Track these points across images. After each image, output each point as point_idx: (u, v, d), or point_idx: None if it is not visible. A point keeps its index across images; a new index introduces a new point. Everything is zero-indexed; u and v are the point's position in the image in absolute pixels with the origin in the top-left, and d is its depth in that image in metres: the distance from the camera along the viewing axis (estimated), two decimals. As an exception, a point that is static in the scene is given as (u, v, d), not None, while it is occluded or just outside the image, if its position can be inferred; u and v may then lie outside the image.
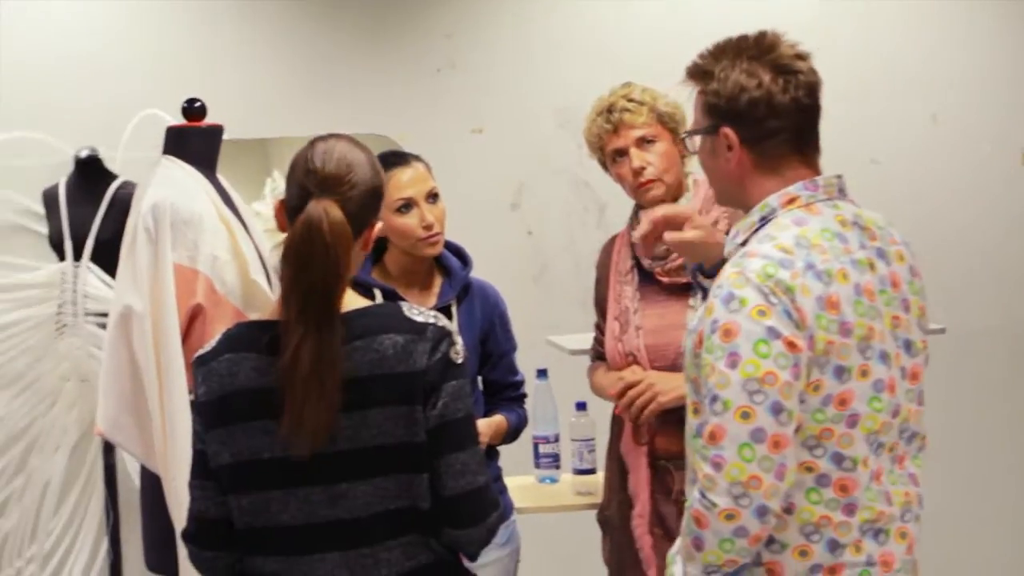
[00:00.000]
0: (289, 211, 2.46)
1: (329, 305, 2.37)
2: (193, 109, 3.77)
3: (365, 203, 2.46)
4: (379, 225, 2.55)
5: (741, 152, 2.47)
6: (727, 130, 2.47)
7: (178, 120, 3.84)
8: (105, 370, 3.60)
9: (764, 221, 2.47)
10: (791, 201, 2.46)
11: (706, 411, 2.35)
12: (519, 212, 5.58)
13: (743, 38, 2.51)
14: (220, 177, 3.79)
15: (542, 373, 3.95)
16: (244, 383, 2.43)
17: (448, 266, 3.66)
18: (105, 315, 4.61)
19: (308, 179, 2.44)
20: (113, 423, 3.59)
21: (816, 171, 2.52)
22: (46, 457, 4.96)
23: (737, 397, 2.29)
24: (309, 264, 2.37)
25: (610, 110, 3.43)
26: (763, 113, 2.45)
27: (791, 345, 2.31)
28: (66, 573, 5.08)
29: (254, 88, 5.43)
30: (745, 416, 2.29)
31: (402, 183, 3.52)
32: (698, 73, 2.52)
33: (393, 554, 2.44)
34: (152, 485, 3.64)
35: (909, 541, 2.48)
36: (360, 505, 2.41)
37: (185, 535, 2.58)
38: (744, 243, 2.48)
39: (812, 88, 2.50)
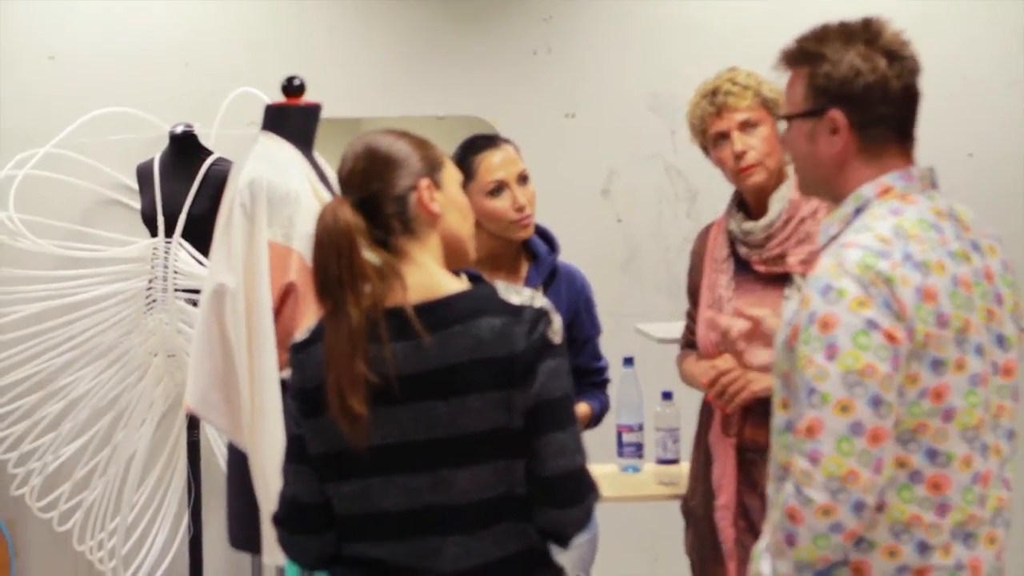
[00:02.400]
0: None
1: (342, 302, 2.38)
2: (292, 87, 3.78)
3: (377, 181, 2.47)
4: (450, 187, 2.54)
5: (848, 136, 2.44)
6: (836, 113, 2.43)
7: (273, 98, 3.85)
8: (196, 346, 3.62)
9: (858, 212, 2.44)
10: (886, 191, 2.44)
11: (800, 405, 2.32)
12: (609, 198, 5.55)
13: (846, 24, 2.48)
14: (317, 155, 3.80)
15: (628, 361, 3.93)
16: None
17: (535, 251, 3.65)
18: (195, 291, 4.66)
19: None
20: (202, 399, 3.61)
21: (911, 161, 2.49)
22: (131, 430, 5.01)
23: (836, 390, 2.26)
24: (322, 262, 2.41)
25: (714, 93, 3.41)
26: (877, 98, 2.42)
27: (890, 337, 2.27)
28: (147, 546, 5.13)
29: (350, 68, 5.45)
30: (844, 409, 2.26)
31: (493, 166, 3.51)
32: (804, 55, 2.48)
33: (485, 543, 2.43)
34: (238, 462, 3.66)
35: (998, 547, 2.43)
36: (458, 492, 2.41)
37: (276, 519, 2.57)
38: (836, 235, 2.45)
39: (916, 75, 2.48)
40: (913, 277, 2.31)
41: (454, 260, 2.55)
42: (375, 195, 2.46)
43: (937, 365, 2.33)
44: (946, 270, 2.36)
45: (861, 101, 2.43)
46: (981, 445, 2.39)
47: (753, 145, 3.37)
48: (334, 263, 2.39)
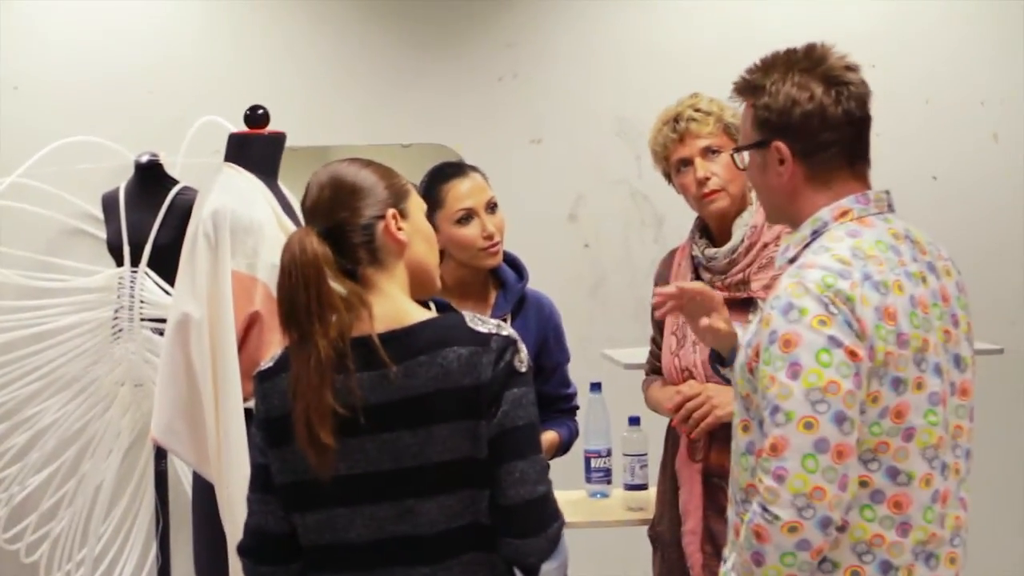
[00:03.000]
0: None
1: (309, 332, 2.37)
2: (256, 116, 3.78)
3: (343, 210, 2.46)
4: (415, 217, 2.54)
5: (794, 166, 2.47)
6: (779, 144, 2.46)
7: (238, 127, 3.84)
8: (161, 376, 3.61)
9: (816, 235, 2.47)
10: (844, 214, 2.46)
11: (765, 424, 2.33)
12: (576, 224, 5.56)
13: (792, 51, 2.51)
14: (281, 185, 3.80)
15: (596, 387, 3.94)
16: None
17: (503, 278, 3.64)
18: (161, 321, 4.64)
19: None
20: (167, 429, 3.59)
21: (867, 184, 2.51)
22: (98, 461, 4.99)
23: (800, 407, 2.28)
24: (289, 292, 2.39)
25: (676, 119, 3.42)
26: (816, 126, 2.44)
27: (852, 354, 2.30)
28: (115, 577, 5.11)
29: (315, 96, 5.45)
30: (808, 426, 2.27)
31: (461, 193, 3.51)
32: (748, 88, 2.52)
33: (451, 573, 2.42)
34: (204, 492, 3.64)
35: (958, 567, 2.45)
36: (425, 523, 2.40)
37: (241, 549, 2.56)
38: (794, 259, 2.47)
39: (863, 100, 2.49)
40: (872, 297, 2.34)
41: (420, 289, 2.55)
42: (342, 224, 2.45)
43: (897, 384, 2.35)
44: (904, 290, 2.38)
45: (800, 130, 2.45)
46: (940, 464, 2.40)
47: (716, 171, 3.38)
48: (301, 293, 2.38)
